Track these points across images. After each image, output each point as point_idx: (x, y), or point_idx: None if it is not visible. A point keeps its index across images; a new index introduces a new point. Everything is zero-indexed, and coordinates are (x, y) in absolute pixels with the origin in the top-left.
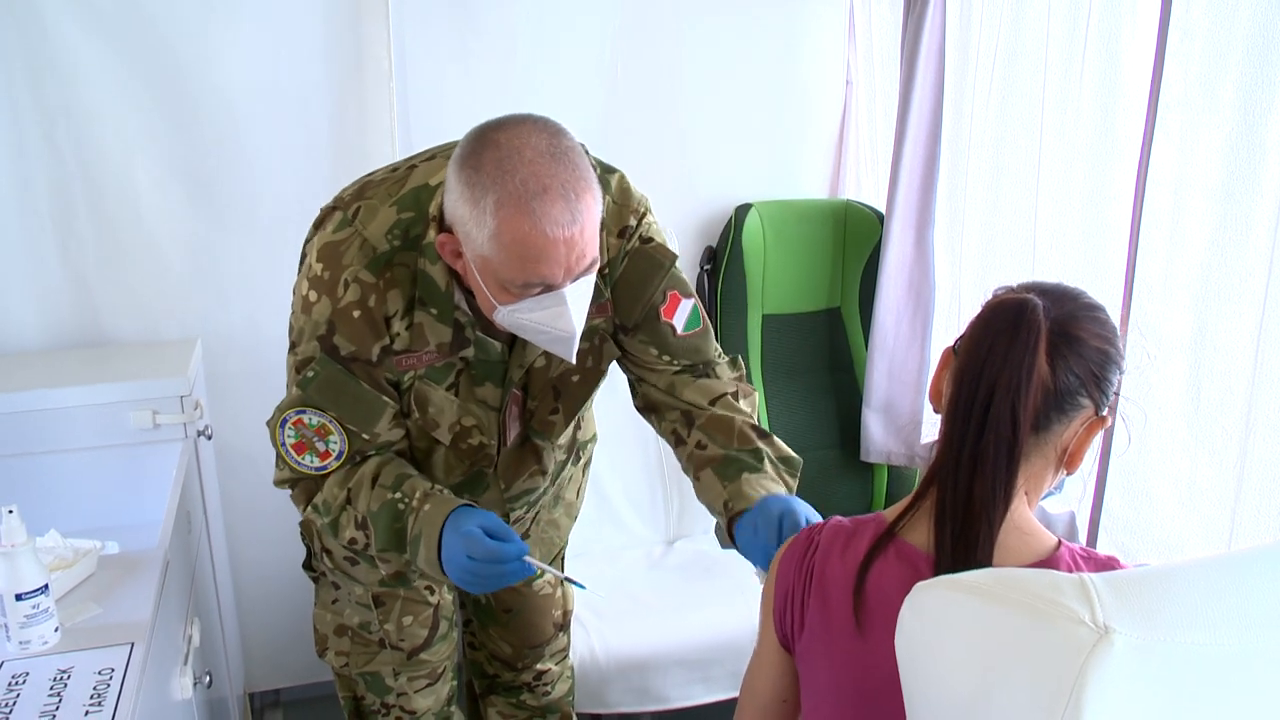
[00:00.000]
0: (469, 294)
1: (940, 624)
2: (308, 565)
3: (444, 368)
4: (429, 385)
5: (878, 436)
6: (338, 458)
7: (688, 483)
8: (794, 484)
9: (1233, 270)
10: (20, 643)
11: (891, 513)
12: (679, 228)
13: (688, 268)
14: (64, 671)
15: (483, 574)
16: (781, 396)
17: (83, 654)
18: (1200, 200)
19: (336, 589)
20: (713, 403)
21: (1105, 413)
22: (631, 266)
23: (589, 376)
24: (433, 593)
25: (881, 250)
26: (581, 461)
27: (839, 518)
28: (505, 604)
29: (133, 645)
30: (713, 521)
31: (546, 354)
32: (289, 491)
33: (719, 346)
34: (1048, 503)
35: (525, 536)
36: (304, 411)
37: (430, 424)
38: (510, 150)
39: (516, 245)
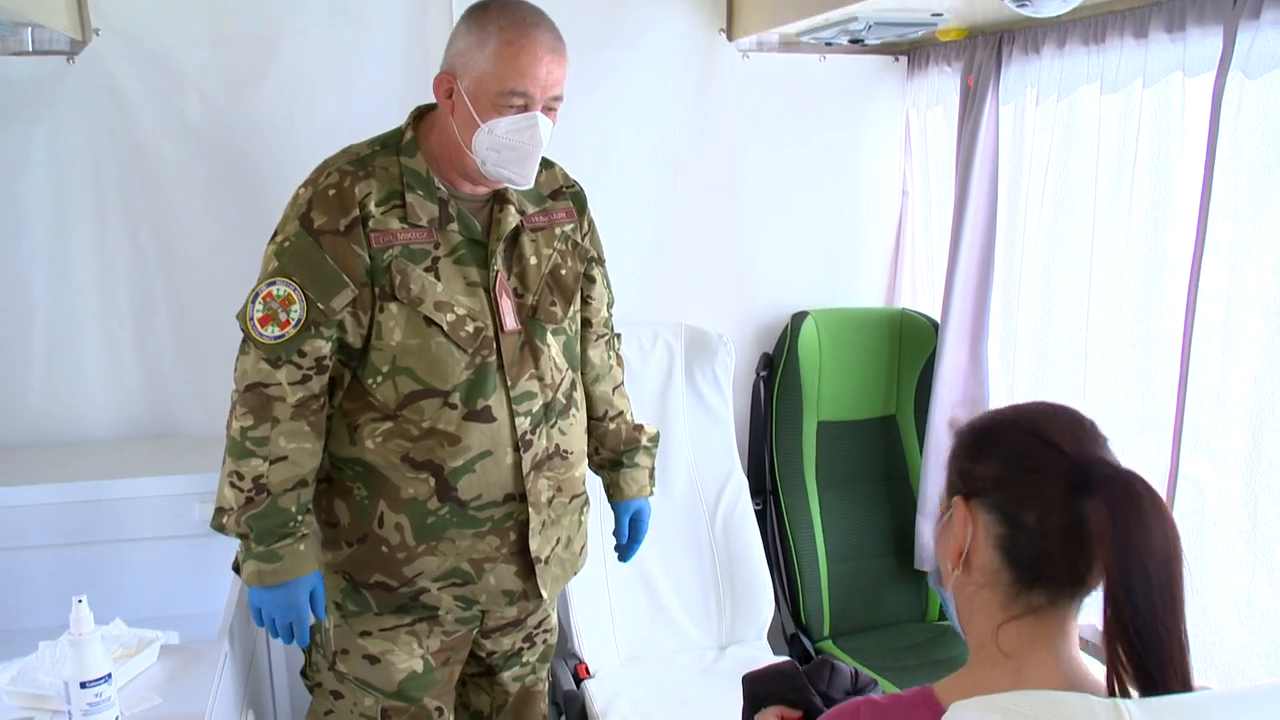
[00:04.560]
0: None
1: None
2: (304, 673)
3: (419, 251)
4: (407, 263)
5: (932, 546)
6: (295, 324)
7: (741, 587)
8: (654, 449)
9: None
10: None
11: (946, 692)
12: (735, 333)
13: (743, 373)
14: None
15: (276, 627)
16: (836, 503)
17: None
18: (1253, 314)
19: (336, 699)
20: (614, 391)
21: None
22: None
23: (571, 274)
24: (441, 714)
25: (936, 359)
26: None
27: (871, 699)
28: (502, 699)
29: None
30: (766, 627)
31: (535, 251)
32: (233, 392)
33: None
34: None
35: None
36: (274, 283)
37: (415, 300)
38: (511, 3)
39: (512, 56)
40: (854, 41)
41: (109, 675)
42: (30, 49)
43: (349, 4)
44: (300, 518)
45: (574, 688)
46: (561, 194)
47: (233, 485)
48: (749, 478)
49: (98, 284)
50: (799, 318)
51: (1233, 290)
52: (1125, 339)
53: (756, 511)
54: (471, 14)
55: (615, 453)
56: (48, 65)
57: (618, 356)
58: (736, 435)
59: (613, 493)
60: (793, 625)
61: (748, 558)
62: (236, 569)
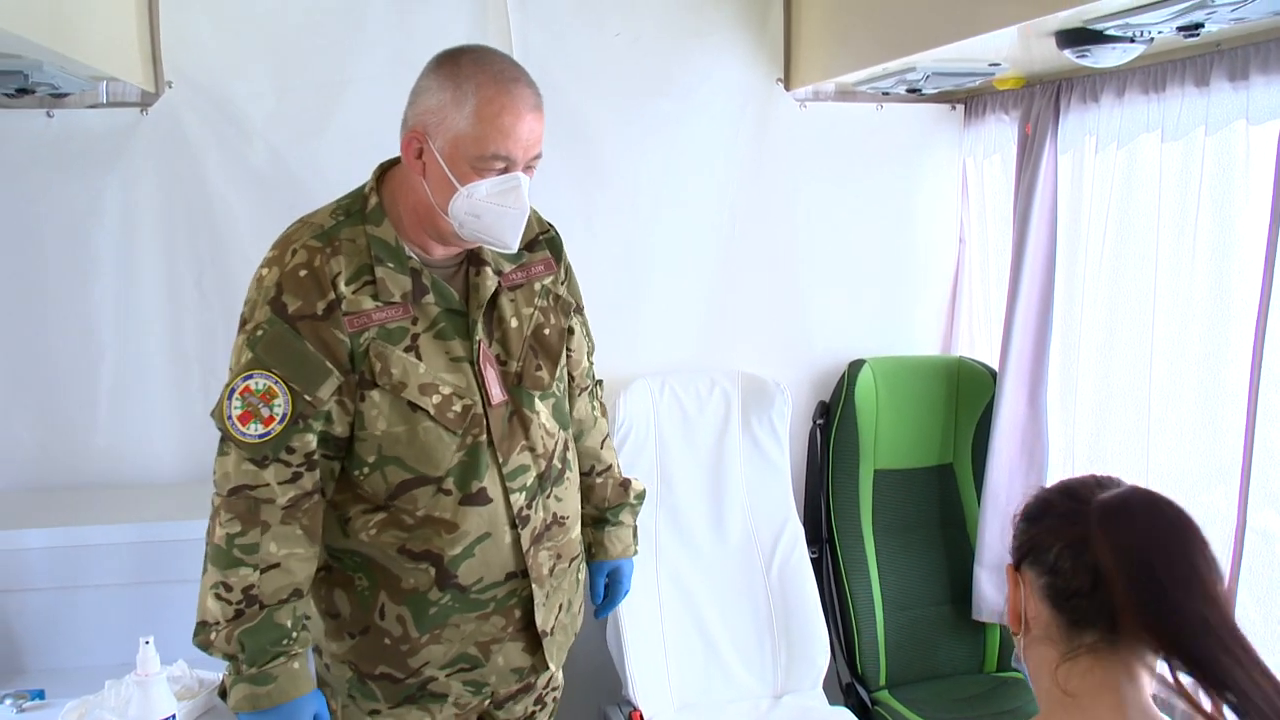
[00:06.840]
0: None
1: None
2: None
3: (397, 330)
4: (385, 345)
5: (990, 595)
6: (281, 420)
7: (796, 635)
8: (639, 507)
9: None
10: None
11: None
12: (792, 381)
13: (800, 421)
14: None
15: None
16: (892, 552)
17: None
18: None
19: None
20: (601, 444)
21: None
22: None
23: (555, 332)
24: None
25: (994, 408)
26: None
27: None
28: None
29: None
30: (822, 677)
31: (515, 312)
32: (214, 496)
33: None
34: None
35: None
36: (251, 376)
37: (398, 385)
38: (483, 54)
39: (493, 116)
40: (911, 90)
41: (174, 716)
42: (105, 101)
43: (410, 54)
44: (295, 635)
45: None
46: (538, 243)
47: (218, 597)
48: (805, 525)
49: (165, 328)
50: (856, 366)
51: None
52: (1190, 389)
53: (812, 560)
54: (442, 67)
55: (599, 510)
56: (122, 117)
57: (601, 406)
58: (793, 483)
59: (595, 551)
60: (848, 675)
61: (803, 606)
62: (223, 694)
